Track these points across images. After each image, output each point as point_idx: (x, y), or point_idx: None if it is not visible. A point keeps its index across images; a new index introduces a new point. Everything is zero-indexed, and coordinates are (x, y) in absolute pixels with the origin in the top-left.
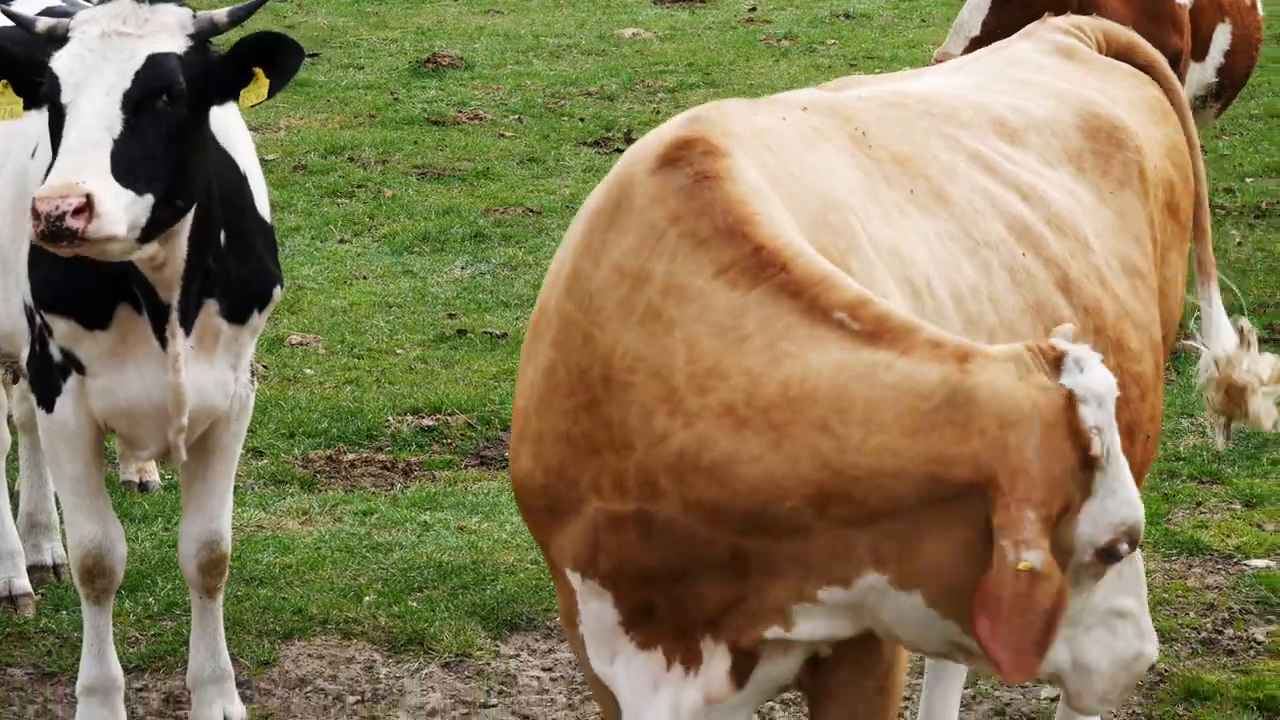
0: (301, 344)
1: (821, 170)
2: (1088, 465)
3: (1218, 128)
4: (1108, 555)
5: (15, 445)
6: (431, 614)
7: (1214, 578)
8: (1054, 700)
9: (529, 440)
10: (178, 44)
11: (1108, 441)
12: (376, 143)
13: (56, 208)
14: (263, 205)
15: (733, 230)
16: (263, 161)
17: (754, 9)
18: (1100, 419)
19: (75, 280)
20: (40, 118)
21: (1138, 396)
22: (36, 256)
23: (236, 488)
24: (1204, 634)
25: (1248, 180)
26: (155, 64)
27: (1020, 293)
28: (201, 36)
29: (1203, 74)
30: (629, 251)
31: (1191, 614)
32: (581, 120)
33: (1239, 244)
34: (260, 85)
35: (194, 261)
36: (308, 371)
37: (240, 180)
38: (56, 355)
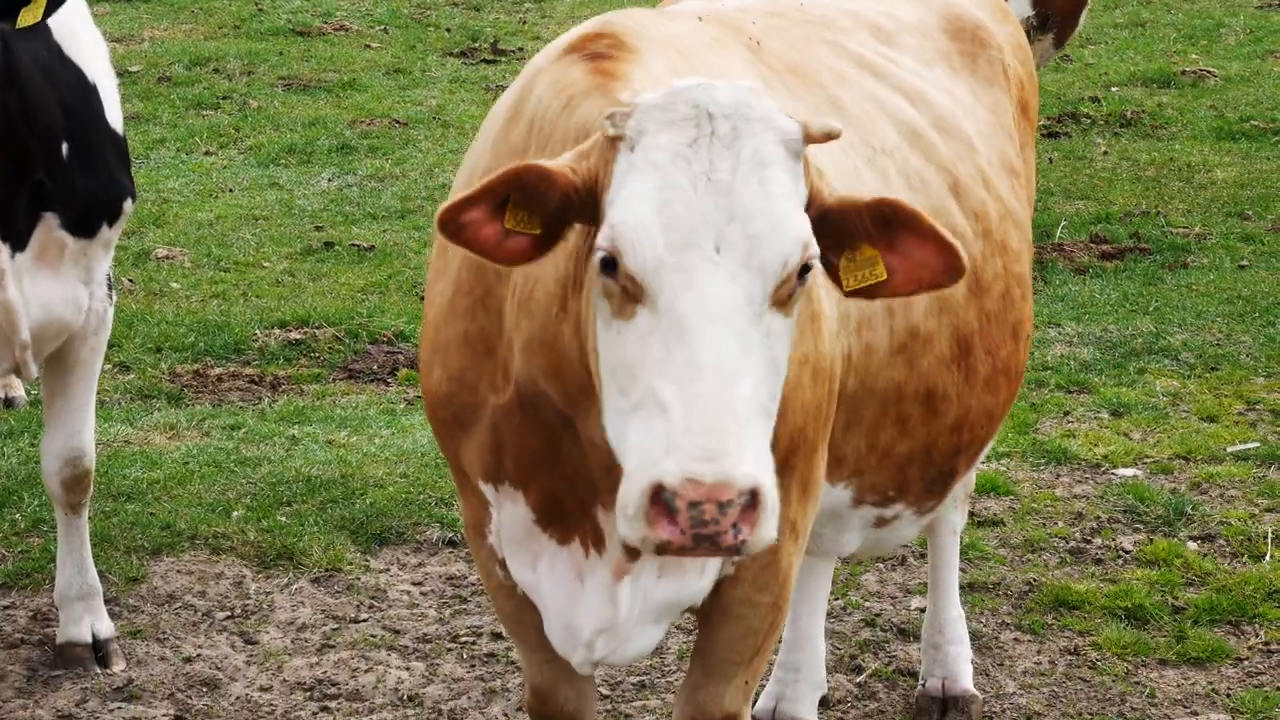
0: (168, 257)
1: (729, 76)
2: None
3: (1083, 37)
4: (605, 265)
5: None
6: (301, 529)
7: (1082, 487)
8: (923, 611)
9: (438, 352)
10: None
11: (644, 133)
12: (241, 54)
13: None
14: (114, 116)
15: (598, 71)
16: (126, 73)
17: None
18: (637, 97)
19: None
20: None
21: (1020, 297)
22: None
23: (103, 403)
24: (1072, 543)
25: (1112, 89)
26: None
27: (916, 199)
28: None
29: (1019, 7)
30: (523, 131)
31: (1060, 523)
32: (448, 31)
33: (1104, 153)
34: (38, 5)
35: (6, 177)
36: (174, 285)
37: (87, 91)
38: None
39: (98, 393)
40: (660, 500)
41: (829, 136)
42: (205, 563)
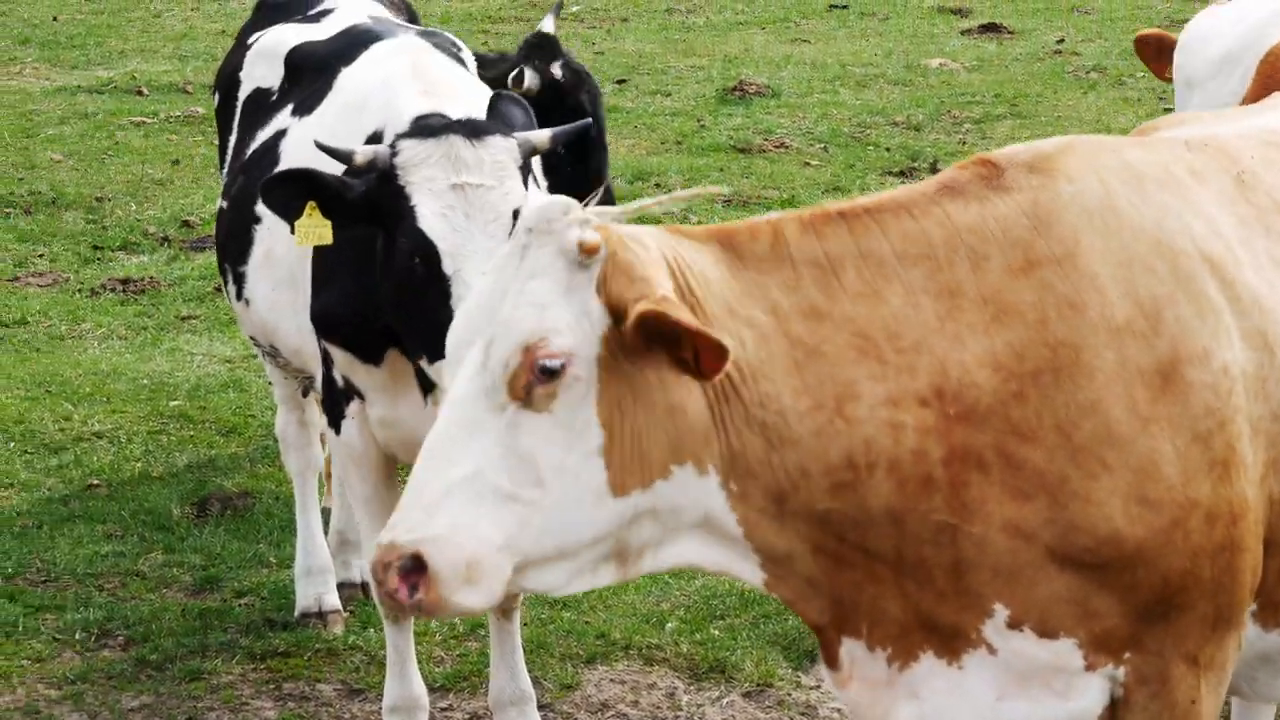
0: None
1: (1171, 213)
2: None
3: None
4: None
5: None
6: (733, 642)
7: None
8: None
9: None
10: (520, 184)
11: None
12: (683, 169)
13: None
14: None
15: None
16: None
17: (1062, 40)
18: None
19: (349, 312)
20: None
21: None
22: (320, 281)
23: None
24: None
25: None
26: None
27: None
28: (526, 166)
29: None
30: None
31: None
32: (887, 150)
33: None
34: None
35: None
36: None
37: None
38: (339, 380)
39: None
40: None
41: (586, 251)
42: (638, 673)
